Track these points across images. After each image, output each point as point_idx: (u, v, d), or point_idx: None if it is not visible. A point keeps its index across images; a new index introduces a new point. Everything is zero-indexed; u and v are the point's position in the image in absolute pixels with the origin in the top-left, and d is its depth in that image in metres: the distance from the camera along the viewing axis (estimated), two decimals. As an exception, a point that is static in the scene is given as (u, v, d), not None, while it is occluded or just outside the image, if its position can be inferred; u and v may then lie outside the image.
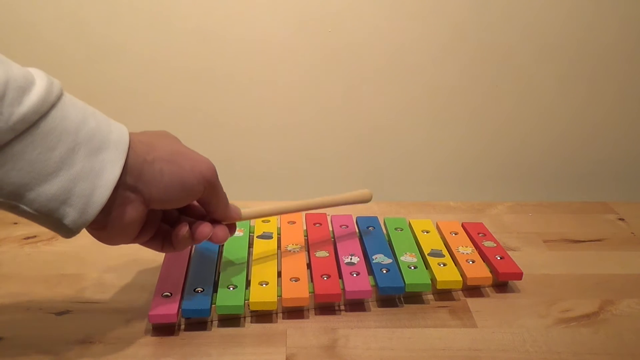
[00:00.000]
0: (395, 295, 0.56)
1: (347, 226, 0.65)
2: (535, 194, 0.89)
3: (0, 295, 0.55)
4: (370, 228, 0.65)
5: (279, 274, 0.56)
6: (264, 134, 0.84)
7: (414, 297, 0.57)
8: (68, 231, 0.40)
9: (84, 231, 0.66)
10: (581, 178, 0.89)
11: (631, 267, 0.63)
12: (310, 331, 0.51)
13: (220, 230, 0.49)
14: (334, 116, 0.83)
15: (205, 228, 0.47)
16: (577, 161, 0.88)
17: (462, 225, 0.67)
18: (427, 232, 0.65)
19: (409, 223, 0.67)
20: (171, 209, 0.48)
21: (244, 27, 0.76)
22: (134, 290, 0.56)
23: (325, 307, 0.55)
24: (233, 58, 0.78)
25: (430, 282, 0.55)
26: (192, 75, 0.79)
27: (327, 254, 0.59)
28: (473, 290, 0.58)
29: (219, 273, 0.55)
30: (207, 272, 0.55)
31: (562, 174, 0.89)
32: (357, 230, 0.65)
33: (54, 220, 0.39)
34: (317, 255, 0.59)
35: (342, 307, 0.55)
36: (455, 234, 0.65)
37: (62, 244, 0.64)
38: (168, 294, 0.51)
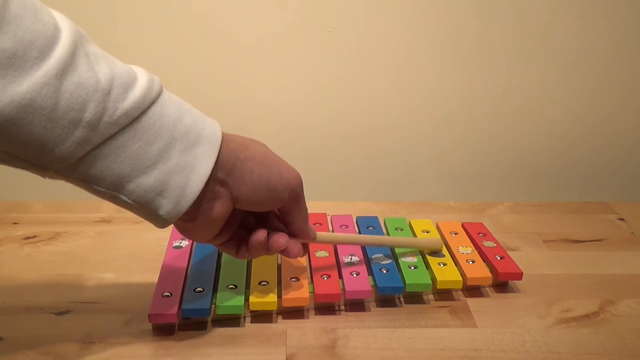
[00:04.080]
0: (395, 295, 0.56)
1: (347, 226, 0.65)
2: (535, 194, 0.89)
3: (0, 295, 0.55)
4: (370, 228, 0.65)
5: (279, 274, 0.56)
6: (263, 135, 0.83)
7: (414, 297, 0.57)
8: (162, 221, 0.42)
9: (84, 232, 0.66)
10: (581, 178, 0.89)
11: (631, 267, 0.63)
12: (310, 331, 0.51)
13: (295, 244, 0.49)
14: (334, 116, 0.83)
15: (280, 238, 0.48)
16: (577, 161, 0.88)
17: (462, 225, 0.67)
18: (427, 232, 0.65)
19: (409, 223, 0.67)
20: (249, 217, 0.49)
21: (243, 27, 0.76)
22: (134, 290, 0.56)
23: (325, 307, 0.55)
24: (232, 58, 0.78)
25: (430, 282, 0.55)
26: (191, 76, 0.79)
27: (327, 254, 0.59)
28: (473, 290, 0.58)
29: (219, 273, 0.55)
30: (207, 272, 0.55)
31: (562, 174, 0.89)
32: (357, 230, 0.65)
33: (149, 211, 0.41)
34: (317, 255, 0.59)
35: (342, 307, 0.55)
36: (455, 234, 0.65)
37: (62, 244, 0.64)
38: (168, 294, 0.51)
